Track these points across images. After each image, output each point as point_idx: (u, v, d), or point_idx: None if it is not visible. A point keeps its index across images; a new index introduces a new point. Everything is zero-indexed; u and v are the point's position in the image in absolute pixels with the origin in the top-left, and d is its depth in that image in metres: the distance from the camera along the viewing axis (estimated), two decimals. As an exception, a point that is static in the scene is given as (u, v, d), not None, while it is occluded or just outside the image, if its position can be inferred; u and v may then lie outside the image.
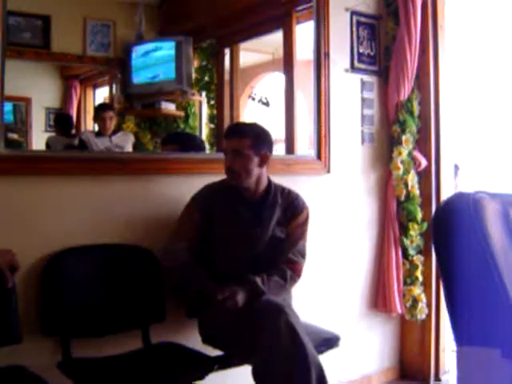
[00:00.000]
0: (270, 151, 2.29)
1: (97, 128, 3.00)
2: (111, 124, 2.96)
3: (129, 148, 3.01)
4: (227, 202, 2.27)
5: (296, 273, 2.28)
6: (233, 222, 2.25)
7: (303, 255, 2.33)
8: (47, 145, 2.80)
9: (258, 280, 2.12)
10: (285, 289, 2.24)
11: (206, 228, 2.24)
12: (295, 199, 2.37)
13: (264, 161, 2.26)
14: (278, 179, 2.41)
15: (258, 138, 2.25)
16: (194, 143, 2.96)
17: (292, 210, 2.34)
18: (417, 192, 3.13)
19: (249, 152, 2.21)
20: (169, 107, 3.17)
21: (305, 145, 3.14)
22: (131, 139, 3.02)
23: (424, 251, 3.15)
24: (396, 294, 3.05)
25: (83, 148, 2.84)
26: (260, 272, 2.18)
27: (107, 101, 3.22)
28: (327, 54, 2.89)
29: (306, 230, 2.38)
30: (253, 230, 2.25)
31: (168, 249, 2.22)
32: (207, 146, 3.18)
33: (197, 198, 2.29)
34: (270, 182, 2.34)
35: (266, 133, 2.31)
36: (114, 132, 2.96)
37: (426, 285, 3.15)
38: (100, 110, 3.04)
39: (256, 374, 1.95)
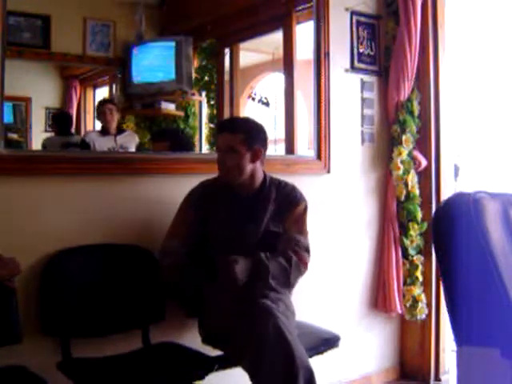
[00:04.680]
0: (264, 146, 2.25)
1: (100, 126, 2.98)
2: (112, 117, 2.92)
3: (132, 149, 2.98)
4: (221, 200, 2.25)
5: (302, 261, 2.20)
6: (226, 219, 2.23)
7: (307, 250, 2.26)
8: (43, 146, 2.77)
9: (262, 255, 2.11)
10: (287, 273, 2.16)
11: (201, 226, 2.22)
12: (290, 192, 2.31)
13: (257, 156, 2.21)
14: (277, 179, 2.40)
15: (250, 133, 2.20)
16: (181, 140, 2.99)
17: (287, 203, 2.29)
18: (417, 192, 3.13)
19: (241, 148, 2.17)
20: (169, 107, 3.17)
21: (305, 145, 3.14)
22: (135, 140, 3.00)
23: (424, 251, 3.15)
24: (396, 293, 3.05)
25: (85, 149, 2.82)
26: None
27: (107, 101, 3.20)
28: (327, 54, 2.89)
29: (305, 224, 2.31)
30: (245, 228, 2.22)
31: (163, 248, 2.21)
32: (207, 146, 3.18)
33: (191, 196, 2.27)
34: (265, 176, 2.30)
35: (259, 127, 2.27)
36: (120, 132, 2.95)
37: (426, 285, 3.15)
38: (100, 105, 3.02)
39: (249, 376, 1.95)
